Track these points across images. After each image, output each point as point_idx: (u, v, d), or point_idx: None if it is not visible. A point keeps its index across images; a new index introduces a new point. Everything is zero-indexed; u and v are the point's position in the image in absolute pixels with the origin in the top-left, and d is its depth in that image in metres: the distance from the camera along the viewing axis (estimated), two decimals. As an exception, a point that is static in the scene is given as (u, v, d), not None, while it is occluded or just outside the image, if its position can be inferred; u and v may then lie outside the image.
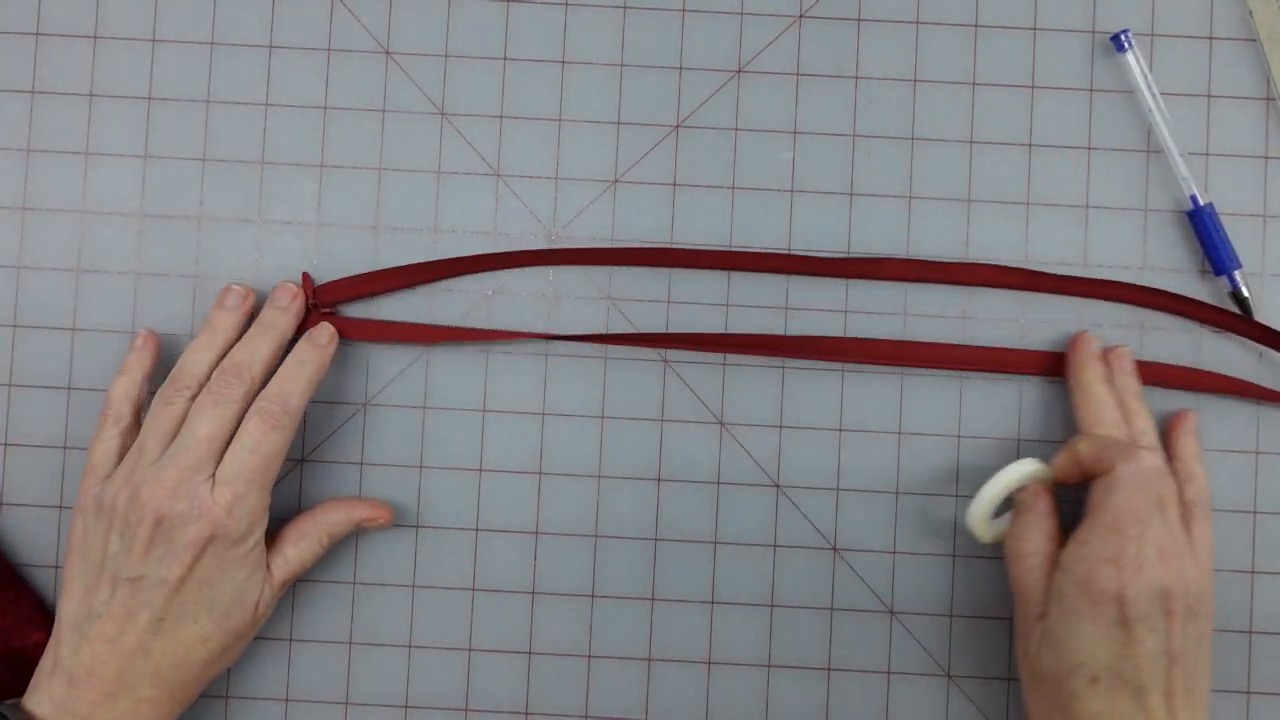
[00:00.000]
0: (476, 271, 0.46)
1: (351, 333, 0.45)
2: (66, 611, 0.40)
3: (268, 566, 0.42)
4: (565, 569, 0.46)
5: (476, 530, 0.46)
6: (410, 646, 0.45)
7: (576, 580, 0.46)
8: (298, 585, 0.45)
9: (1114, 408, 0.43)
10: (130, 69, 0.46)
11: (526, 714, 0.45)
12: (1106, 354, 0.44)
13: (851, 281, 0.46)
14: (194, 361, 0.42)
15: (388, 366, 0.46)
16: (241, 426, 0.41)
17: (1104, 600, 0.38)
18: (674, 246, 0.46)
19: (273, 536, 0.43)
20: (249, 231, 0.46)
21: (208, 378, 0.42)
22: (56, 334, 0.46)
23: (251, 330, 0.43)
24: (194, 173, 0.46)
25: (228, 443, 0.41)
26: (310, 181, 0.46)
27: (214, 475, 0.40)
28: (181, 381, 0.42)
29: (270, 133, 0.46)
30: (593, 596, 0.46)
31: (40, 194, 0.46)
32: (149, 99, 0.46)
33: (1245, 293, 0.45)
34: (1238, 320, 0.45)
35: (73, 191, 0.46)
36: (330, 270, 0.46)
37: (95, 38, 0.46)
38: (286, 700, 0.45)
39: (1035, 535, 0.41)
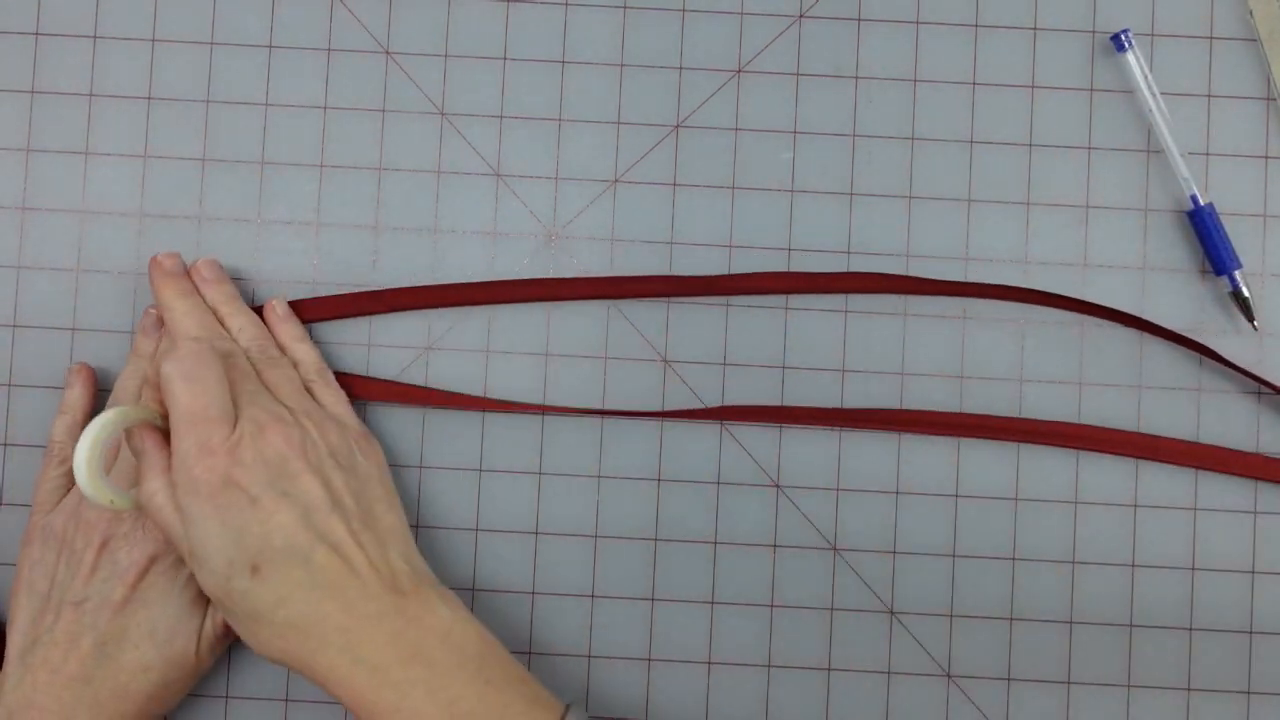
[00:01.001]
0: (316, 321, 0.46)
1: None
2: (12, 645, 0.41)
3: None
4: (565, 569, 0.46)
5: (476, 530, 0.46)
6: (410, 646, 0.45)
7: (576, 580, 0.46)
8: (298, 585, 0.45)
9: (198, 318, 0.42)
10: (130, 69, 0.46)
11: (526, 714, 0.45)
12: (191, 270, 0.44)
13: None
14: (124, 390, 0.43)
15: (387, 365, 0.46)
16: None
17: (215, 493, 0.37)
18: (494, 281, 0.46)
19: None
20: (249, 231, 0.46)
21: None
22: (56, 334, 0.46)
23: (162, 346, 0.44)
24: (194, 173, 0.46)
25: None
26: (310, 181, 0.46)
27: None
28: None
29: (270, 133, 0.46)
30: (593, 596, 0.46)
31: (40, 194, 0.46)
32: (149, 99, 0.46)
33: (1246, 292, 0.45)
34: (1117, 313, 0.45)
35: (73, 191, 0.46)
36: (331, 270, 0.46)
37: (95, 38, 0.46)
38: (286, 700, 0.45)
39: (152, 473, 0.38)
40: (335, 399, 0.43)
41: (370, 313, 0.46)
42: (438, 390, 0.46)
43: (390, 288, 0.46)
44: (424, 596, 0.38)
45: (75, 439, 0.43)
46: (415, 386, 0.45)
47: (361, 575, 0.37)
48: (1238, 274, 0.45)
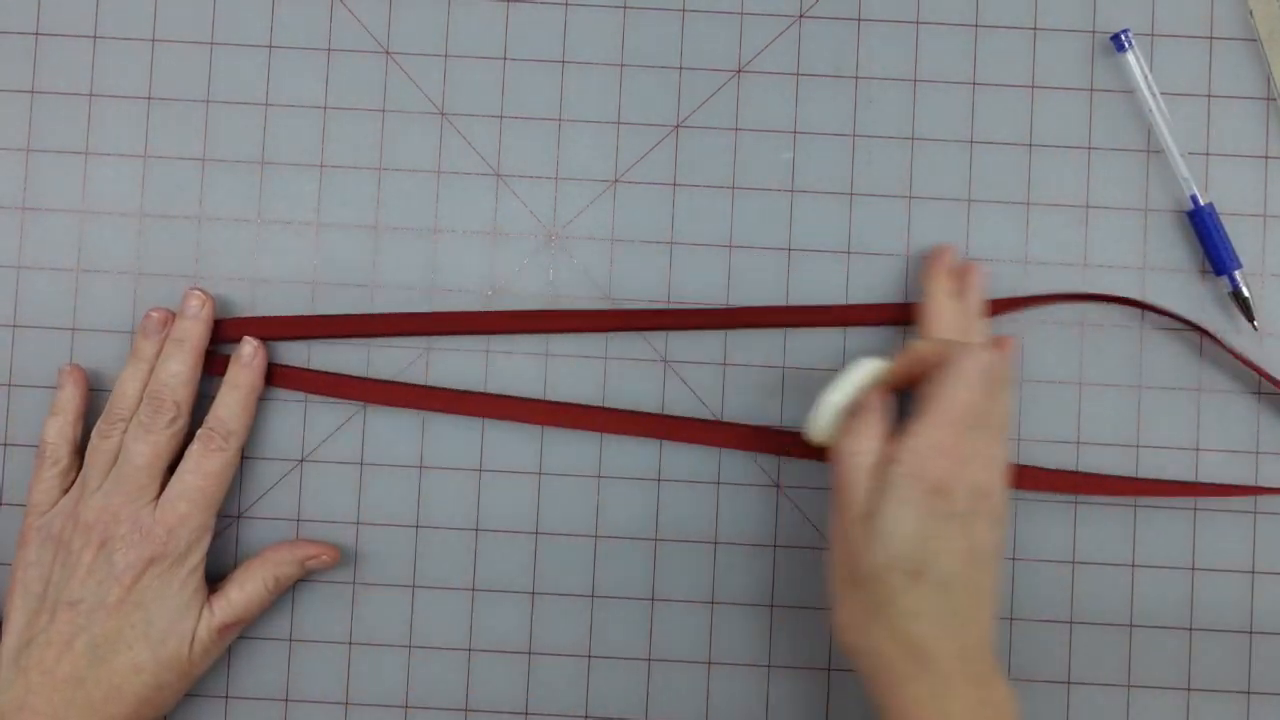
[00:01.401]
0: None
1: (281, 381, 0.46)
2: (6, 647, 0.41)
3: (210, 605, 0.42)
4: (565, 569, 0.46)
5: (477, 530, 0.46)
6: (410, 646, 0.45)
7: (576, 580, 0.46)
8: (298, 585, 0.45)
9: (956, 319, 0.44)
10: (130, 69, 0.46)
11: (526, 714, 0.45)
12: (960, 270, 0.45)
13: (851, 280, 0.46)
14: (124, 393, 0.43)
15: (386, 365, 0.46)
16: (187, 450, 0.43)
17: (932, 491, 0.37)
18: (553, 310, 0.46)
19: (220, 581, 0.43)
20: (249, 231, 0.46)
21: (139, 406, 0.43)
22: (56, 334, 0.46)
23: (165, 350, 0.44)
24: (194, 173, 0.46)
25: (165, 466, 0.42)
26: (310, 181, 0.46)
27: (157, 499, 0.42)
28: (115, 414, 0.43)
29: (270, 133, 0.46)
30: (593, 596, 0.46)
31: (40, 194, 0.46)
32: (149, 99, 0.46)
33: (1246, 292, 0.45)
34: (1116, 299, 0.45)
35: (73, 191, 0.46)
36: (331, 270, 0.46)
37: (95, 38, 0.46)
38: (286, 700, 0.45)
39: (869, 434, 0.40)
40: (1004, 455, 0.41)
41: (364, 334, 0.46)
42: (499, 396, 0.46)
43: (385, 313, 0.46)
44: (1003, 681, 0.38)
45: (67, 440, 0.44)
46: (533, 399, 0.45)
47: (974, 632, 0.38)
48: (1237, 274, 0.45)
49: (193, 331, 0.44)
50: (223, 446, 0.43)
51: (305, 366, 0.46)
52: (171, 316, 0.44)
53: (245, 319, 0.45)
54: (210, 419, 0.43)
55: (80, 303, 0.46)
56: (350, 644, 0.45)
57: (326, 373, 0.46)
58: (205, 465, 0.42)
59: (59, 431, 0.44)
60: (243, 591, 0.43)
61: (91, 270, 0.46)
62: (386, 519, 0.46)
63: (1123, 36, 0.45)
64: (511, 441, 0.46)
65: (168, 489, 0.42)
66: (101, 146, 0.46)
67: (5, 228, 0.46)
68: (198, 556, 0.42)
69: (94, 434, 0.43)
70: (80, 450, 0.44)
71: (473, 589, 0.46)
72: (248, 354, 0.44)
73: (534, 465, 0.46)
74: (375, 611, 0.45)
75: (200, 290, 0.44)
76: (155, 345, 0.44)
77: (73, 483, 0.43)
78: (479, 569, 0.46)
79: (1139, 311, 0.46)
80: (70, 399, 0.44)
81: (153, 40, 0.46)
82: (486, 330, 0.46)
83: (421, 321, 0.45)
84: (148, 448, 0.42)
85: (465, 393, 0.45)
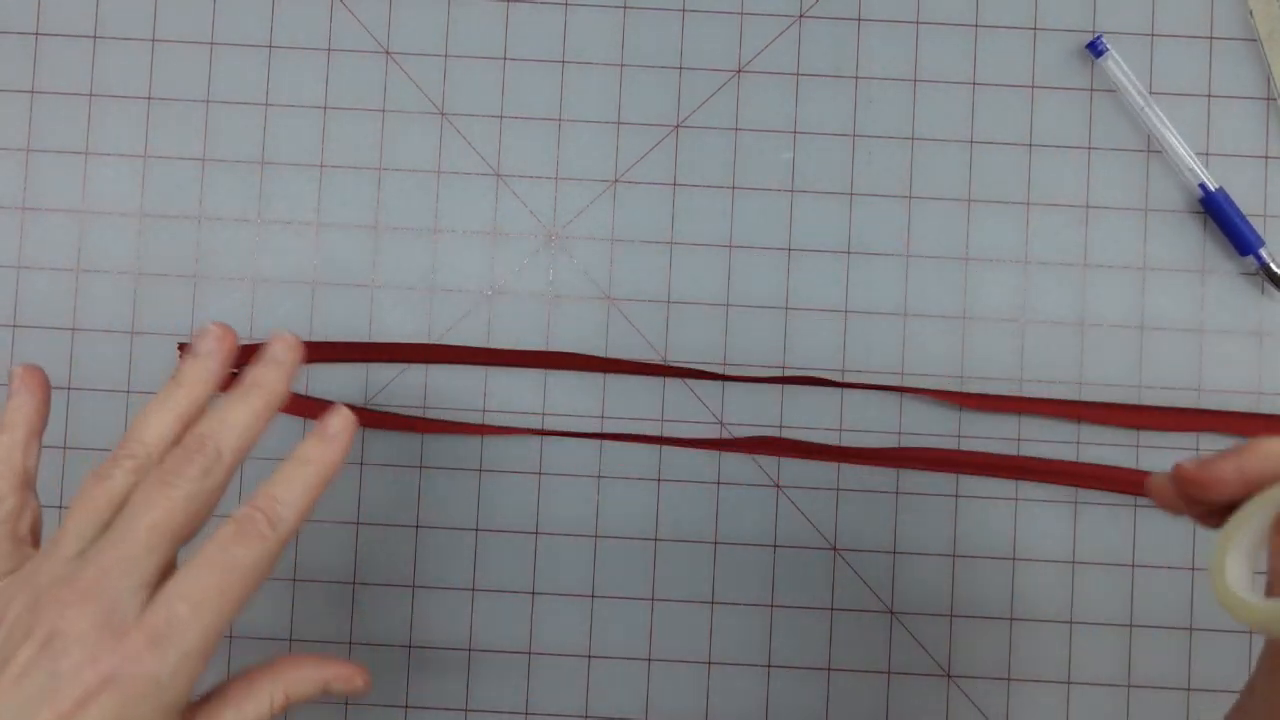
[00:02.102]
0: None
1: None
2: None
3: None
4: (565, 569, 0.46)
5: (476, 530, 0.46)
6: (411, 646, 0.45)
7: (576, 580, 0.46)
8: (297, 584, 0.45)
9: None
10: (130, 69, 0.46)
11: (526, 714, 0.45)
12: None
13: (851, 280, 0.46)
14: (148, 425, 0.31)
15: (386, 370, 0.46)
16: (214, 532, 0.29)
17: None
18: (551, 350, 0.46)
19: (211, 693, 0.31)
20: (249, 231, 0.46)
21: (165, 448, 0.30)
22: (56, 334, 0.46)
23: (233, 391, 0.32)
24: (194, 173, 0.46)
25: (176, 541, 0.29)
26: (310, 181, 0.46)
27: (151, 584, 0.28)
28: (127, 449, 0.30)
29: (270, 133, 0.46)
30: (593, 596, 0.46)
31: (40, 194, 0.46)
32: (149, 99, 0.46)
33: (1276, 268, 0.45)
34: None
35: (73, 191, 0.46)
36: (331, 270, 0.46)
37: (95, 38, 0.46)
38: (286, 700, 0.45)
39: None
40: None
41: (362, 360, 0.45)
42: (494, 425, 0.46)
43: (390, 342, 0.46)
44: None
45: (16, 471, 0.31)
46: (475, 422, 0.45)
47: None
48: (1263, 251, 0.45)
49: (271, 379, 0.32)
50: (265, 534, 0.29)
51: (305, 379, 0.46)
52: (234, 337, 0.33)
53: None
54: (259, 496, 0.30)
55: (80, 303, 0.46)
56: (351, 644, 0.45)
57: (329, 401, 0.45)
58: (235, 554, 0.29)
59: (4, 457, 0.31)
60: (239, 712, 0.30)
61: (91, 270, 0.46)
62: (388, 519, 0.46)
63: (1099, 42, 0.45)
64: (511, 441, 0.46)
65: (175, 578, 0.29)
66: (101, 146, 0.46)
67: (5, 228, 0.46)
68: (183, 688, 0.28)
69: (88, 475, 0.30)
70: (35, 484, 0.32)
71: (473, 589, 0.46)
72: (336, 427, 0.32)
73: (534, 465, 0.46)
74: (375, 611, 0.45)
75: (288, 332, 0.33)
76: (203, 371, 0.32)
77: (30, 530, 0.31)
78: (479, 569, 0.46)
79: (1138, 312, 0.46)
80: (20, 409, 0.32)
81: (153, 40, 0.46)
82: (490, 362, 0.45)
83: (426, 352, 0.45)
84: (163, 504, 0.29)
85: (466, 424, 0.45)
